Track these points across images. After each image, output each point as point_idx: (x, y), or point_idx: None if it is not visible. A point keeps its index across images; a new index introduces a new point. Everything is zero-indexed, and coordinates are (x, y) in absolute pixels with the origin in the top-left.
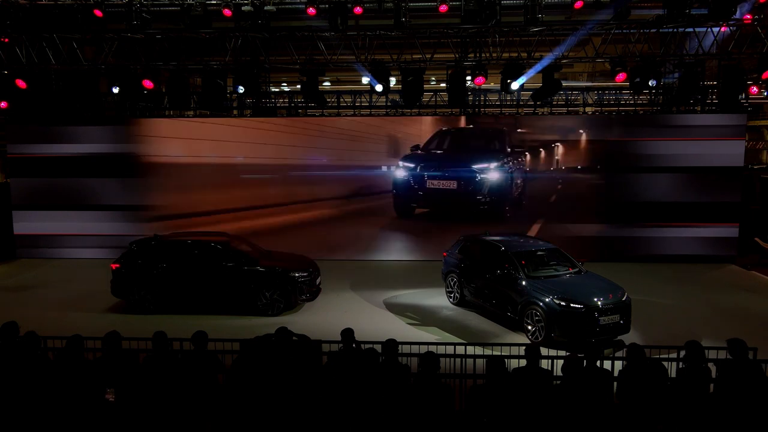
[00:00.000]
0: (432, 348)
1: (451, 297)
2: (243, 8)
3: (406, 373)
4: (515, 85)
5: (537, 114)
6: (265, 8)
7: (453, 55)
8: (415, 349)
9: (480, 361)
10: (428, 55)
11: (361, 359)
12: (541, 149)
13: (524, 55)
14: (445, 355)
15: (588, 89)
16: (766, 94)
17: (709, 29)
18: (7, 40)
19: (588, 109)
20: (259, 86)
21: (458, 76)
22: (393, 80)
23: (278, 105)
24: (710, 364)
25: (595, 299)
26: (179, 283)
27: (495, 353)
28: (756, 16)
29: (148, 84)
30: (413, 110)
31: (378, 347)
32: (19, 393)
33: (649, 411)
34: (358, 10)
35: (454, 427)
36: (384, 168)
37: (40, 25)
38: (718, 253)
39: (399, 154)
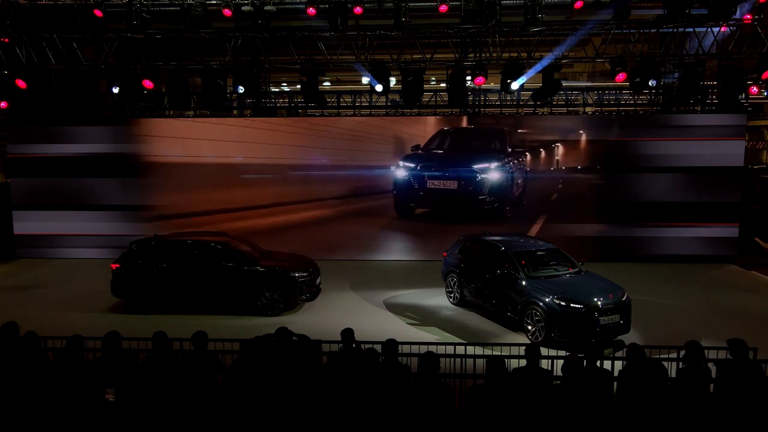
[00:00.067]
0: (432, 348)
1: (451, 297)
2: (243, 8)
3: (406, 373)
4: (515, 85)
5: (537, 114)
6: (265, 8)
7: (453, 55)
8: (415, 349)
9: (480, 361)
10: (428, 55)
11: (361, 359)
12: (541, 149)
13: (524, 55)
14: (445, 355)
15: (588, 89)
16: (766, 94)
17: (709, 29)
18: (7, 40)
19: (588, 109)
20: (259, 86)
21: (458, 76)
22: (393, 80)
23: (278, 105)
24: (710, 364)
25: (595, 299)
26: (179, 283)
27: (495, 353)
28: (756, 16)
29: (148, 84)
30: (413, 110)
31: (378, 347)
32: (19, 393)
33: (649, 411)
34: (358, 10)
35: (454, 427)
36: (391, 168)
37: (40, 25)
38: (718, 253)
39: (403, 154)
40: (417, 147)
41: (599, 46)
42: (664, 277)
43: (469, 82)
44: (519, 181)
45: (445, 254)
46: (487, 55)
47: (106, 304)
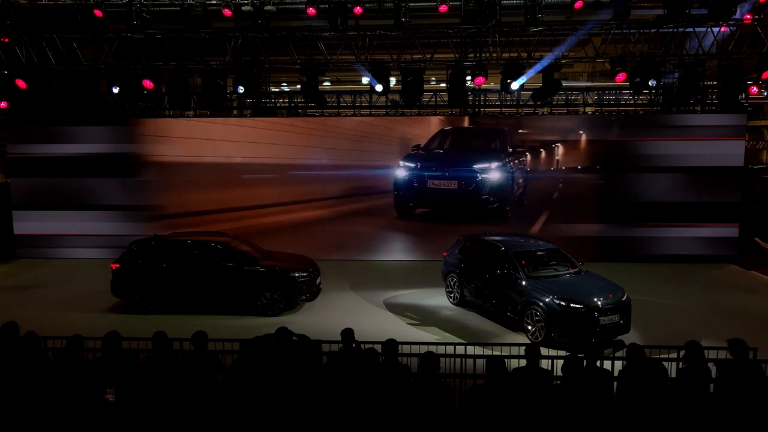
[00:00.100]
0: (432, 348)
1: (451, 297)
2: (243, 8)
3: (406, 373)
4: (515, 85)
5: (537, 114)
6: (265, 8)
7: (453, 55)
8: (415, 349)
9: (480, 361)
10: (428, 55)
11: (361, 359)
12: (541, 149)
13: (524, 55)
14: (445, 355)
15: (588, 89)
16: (766, 94)
17: (709, 29)
18: (7, 40)
19: (588, 109)
20: (259, 86)
21: (458, 76)
22: (393, 80)
23: (278, 105)
24: (710, 364)
25: (595, 299)
26: (179, 283)
27: (495, 353)
28: (756, 16)
29: (148, 84)
30: (413, 110)
31: (378, 347)
32: (19, 393)
33: (649, 411)
34: (358, 10)
35: (454, 427)
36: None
37: (40, 25)
38: (718, 253)
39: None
40: (417, 147)
41: (599, 46)
42: (664, 277)
43: (469, 82)
44: (520, 181)
45: (445, 254)
46: (487, 55)
47: (106, 304)
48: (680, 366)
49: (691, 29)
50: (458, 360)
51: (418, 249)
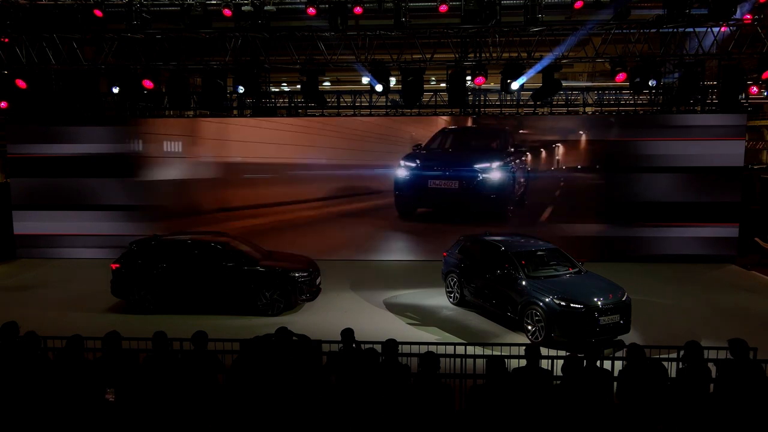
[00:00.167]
0: (432, 348)
1: (451, 297)
2: (243, 8)
3: (406, 373)
4: (515, 85)
5: (537, 114)
6: (265, 8)
7: (453, 55)
8: (415, 349)
9: (480, 361)
10: (428, 55)
11: (361, 359)
12: (541, 149)
13: (524, 55)
14: (445, 355)
15: (588, 89)
16: (766, 94)
17: (709, 29)
18: (7, 40)
19: (588, 109)
20: (259, 86)
21: (458, 76)
22: (393, 80)
23: (278, 105)
24: (710, 364)
25: (595, 299)
26: (179, 283)
27: (495, 353)
28: (756, 16)
29: (148, 84)
30: (413, 110)
31: (378, 347)
32: (19, 393)
33: (649, 411)
34: (358, 10)
35: (454, 427)
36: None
37: (40, 25)
38: (718, 253)
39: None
40: (418, 146)
41: (599, 46)
42: (664, 277)
43: (469, 82)
44: (521, 181)
45: (445, 254)
46: (487, 55)
47: (106, 304)
48: (680, 366)
49: (691, 29)
50: (458, 360)
51: (418, 249)
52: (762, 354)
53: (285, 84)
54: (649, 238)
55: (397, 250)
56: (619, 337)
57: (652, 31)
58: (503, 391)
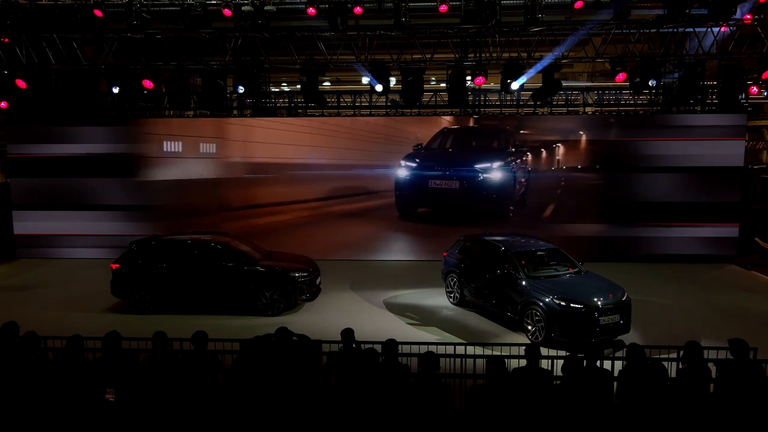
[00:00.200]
0: (432, 348)
1: (451, 297)
2: (243, 8)
3: (406, 373)
4: (515, 85)
5: (537, 114)
6: (265, 8)
7: (453, 55)
8: (415, 349)
9: (480, 361)
10: (428, 55)
11: (361, 359)
12: (542, 149)
13: (524, 55)
14: (445, 355)
15: (588, 89)
16: (766, 94)
17: (709, 29)
18: (7, 40)
19: (588, 109)
20: (259, 86)
21: (458, 76)
22: (393, 80)
23: (278, 105)
24: (710, 364)
25: (595, 299)
26: (179, 283)
27: (495, 353)
28: (756, 16)
29: (148, 84)
30: (413, 110)
31: (378, 347)
32: (19, 393)
33: (649, 411)
34: (358, 10)
35: (454, 427)
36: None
37: (40, 25)
38: (718, 253)
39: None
40: (419, 146)
41: (599, 46)
42: (664, 277)
43: (469, 82)
44: (521, 181)
45: (445, 254)
46: (487, 55)
47: (106, 304)
48: (680, 366)
49: (691, 29)
50: (458, 360)
51: (418, 249)
52: (762, 354)
53: (285, 84)
54: (649, 238)
55: (398, 250)
56: (619, 337)
57: (652, 31)
58: (503, 391)
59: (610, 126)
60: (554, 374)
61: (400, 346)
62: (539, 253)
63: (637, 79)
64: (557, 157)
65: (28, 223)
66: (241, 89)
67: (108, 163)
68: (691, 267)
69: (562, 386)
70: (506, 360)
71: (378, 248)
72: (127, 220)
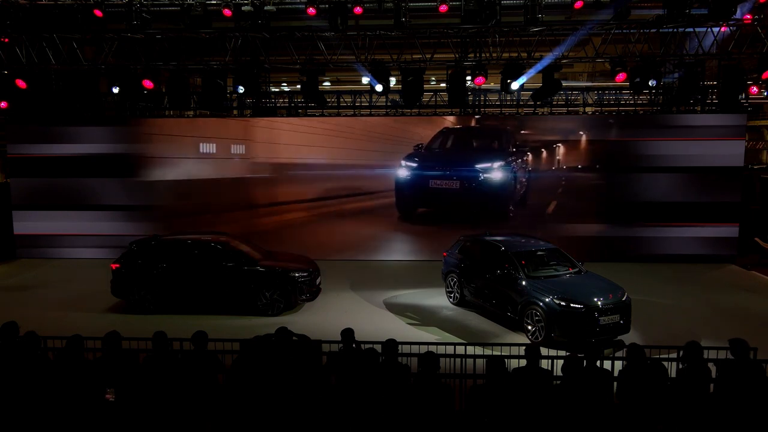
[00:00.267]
0: (432, 348)
1: (451, 297)
2: (243, 8)
3: (406, 373)
4: (515, 85)
5: (537, 114)
6: (265, 8)
7: (453, 55)
8: (415, 349)
9: (480, 361)
10: (428, 55)
11: (361, 359)
12: (542, 149)
13: (524, 55)
14: (445, 355)
15: (588, 89)
16: (766, 94)
17: (709, 29)
18: (7, 40)
19: (588, 109)
20: (259, 86)
21: (458, 76)
22: (393, 80)
23: (278, 105)
24: (710, 364)
25: (595, 299)
26: (179, 283)
27: (495, 353)
28: (756, 16)
29: (148, 84)
30: (413, 110)
31: (378, 347)
32: (19, 393)
33: (649, 411)
34: (358, 10)
35: (454, 427)
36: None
37: (40, 25)
38: (718, 253)
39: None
40: (419, 146)
41: (599, 46)
42: (664, 277)
43: (469, 82)
44: (522, 181)
45: (445, 254)
46: (487, 55)
47: (106, 304)
48: (680, 366)
49: (691, 29)
50: (458, 360)
51: (419, 249)
52: (762, 354)
53: (285, 84)
54: (649, 238)
55: (398, 250)
56: (619, 337)
57: (652, 31)
58: (503, 391)
59: (610, 126)
60: (554, 374)
61: (400, 346)
62: (539, 253)
63: (637, 79)
64: (557, 157)
65: (28, 223)
66: (241, 89)
67: (108, 163)
68: (691, 267)
69: (562, 386)
70: (506, 360)
71: (378, 248)
72: (127, 220)
